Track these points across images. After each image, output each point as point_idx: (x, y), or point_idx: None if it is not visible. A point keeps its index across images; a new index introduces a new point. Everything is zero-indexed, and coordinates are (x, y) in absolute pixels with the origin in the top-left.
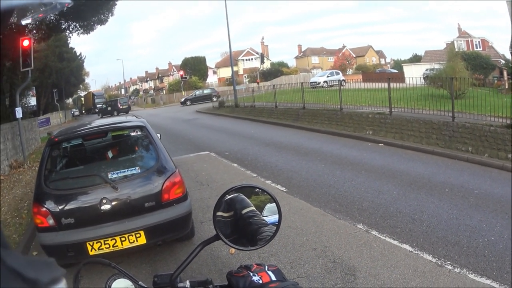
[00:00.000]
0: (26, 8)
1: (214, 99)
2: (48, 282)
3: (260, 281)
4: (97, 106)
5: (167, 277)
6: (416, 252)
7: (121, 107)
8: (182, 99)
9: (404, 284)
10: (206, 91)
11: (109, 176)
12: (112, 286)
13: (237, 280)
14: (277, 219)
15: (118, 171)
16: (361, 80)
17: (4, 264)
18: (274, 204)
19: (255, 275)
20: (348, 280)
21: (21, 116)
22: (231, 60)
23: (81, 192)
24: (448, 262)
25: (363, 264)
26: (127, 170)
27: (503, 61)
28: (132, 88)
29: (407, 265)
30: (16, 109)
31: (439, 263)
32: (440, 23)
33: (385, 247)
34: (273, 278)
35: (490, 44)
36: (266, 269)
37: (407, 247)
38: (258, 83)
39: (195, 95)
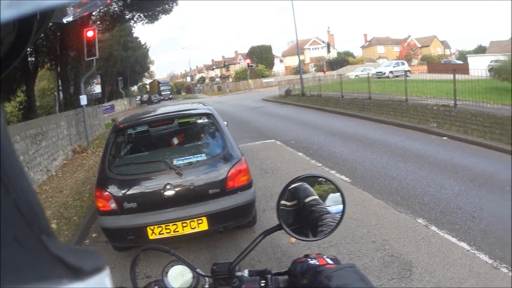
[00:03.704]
0: (67, 6)
1: None
2: (91, 270)
3: (317, 263)
4: (163, 93)
5: (226, 266)
6: (473, 251)
7: (155, 100)
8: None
9: (458, 284)
10: None
11: (174, 162)
12: (169, 272)
13: (295, 266)
14: (340, 209)
15: (184, 158)
16: (426, 71)
17: (49, 251)
18: (337, 194)
19: (312, 260)
20: (404, 276)
21: (85, 103)
22: (297, 48)
23: (145, 177)
24: (504, 265)
25: (420, 260)
26: (193, 157)
27: None
28: (198, 76)
29: (463, 265)
30: (80, 96)
31: (495, 265)
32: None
33: (443, 244)
34: (330, 262)
35: None
36: (325, 257)
37: (464, 245)
38: (324, 72)
39: None
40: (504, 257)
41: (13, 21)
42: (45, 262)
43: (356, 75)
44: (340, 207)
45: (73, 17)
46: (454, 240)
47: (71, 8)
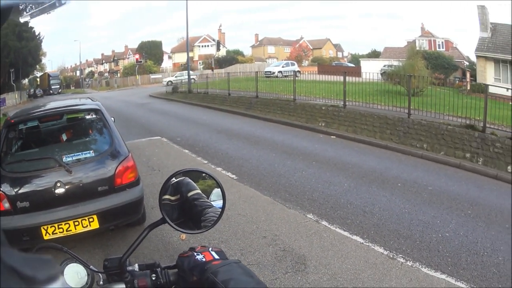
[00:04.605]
0: (25, 5)
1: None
2: (45, 279)
3: (204, 259)
4: (52, 87)
5: (116, 261)
6: (367, 244)
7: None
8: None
9: (355, 275)
10: None
11: (64, 159)
12: (65, 270)
13: (183, 261)
14: (221, 203)
15: (73, 154)
16: (317, 72)
17: (1, 261)
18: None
19: (198, 254)
20: (299, 269)
21: None
22: (187, 45)
23: (36, 175)
24: (400, 255)
25: (313, 253)
26: (81, 154)
27: (467, 63)
28: (87, 70)
29: (358, 256)
30: None
31: (391, 256)
32: (404, 21)
33: (336, 238)
34: (216, 257)
35: (454, 45)
36: (210, 250)
37: (358, 238)
38: (212, 70)
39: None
40: (399, 248)
41: None
42: None
43: (170, 81)
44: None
45: (30, 17)
46: (346, 233)
47: (30, 7)
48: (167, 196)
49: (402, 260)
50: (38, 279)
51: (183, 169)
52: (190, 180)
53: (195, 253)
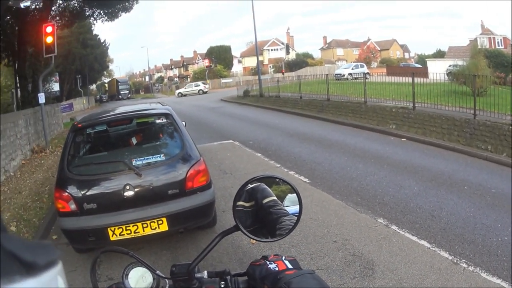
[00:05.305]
0: None
1: None
2: (44, 264)
3: (277, 268)
4: (121, 92)
5: (185, 267)
6: (433, 249)
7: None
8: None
9: (420, 280)
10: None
11: (133, 162)
12: (130, 274)
13: (254, 269)
14: (297, 209)
15: (143, 158)
16: (385, 73)
17: (1, 246)
18: (295, 194)
19: (271, 263)
20: (366, 274)
21: (43, 101)
22: (256, 49)
23: (104, 178)
24: (463, 260)
25: (381, 258)
26: (152, 157)
27: None
28: (156, 76)
29: (424, 261)
30: (39, 94)
31: (455, 261)
32: (464, 19)
33: (404, 243)
34: (289, 266)
35: (511, 43)
36: (283, 258)
37: (425, 243)
38: (283, 73)
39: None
40: (463, 252)
41: None
42: None
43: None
44: (298, 207)
45: (30, 2)
46: (414, 238)
47: None
48: (241, 203)
49: (464, 265)
50: (37, 264)
51: (258, 175)
52: (265, 186)
53: (268, 262)
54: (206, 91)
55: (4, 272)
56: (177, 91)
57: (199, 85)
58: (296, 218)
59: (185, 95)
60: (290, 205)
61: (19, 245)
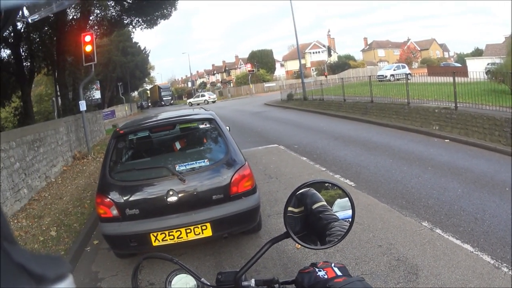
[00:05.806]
0: (33, 5)
1: None
2: (54, 278)
3: (326, 276)
4: (164, 99)
5: (232, 275)
6: (476, 252)
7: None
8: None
9: (462, 285)
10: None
11: (177, 168)
12: (173, 281)
13: (303, 277)
14: (348, 214)
15: (186, 163)
16: (426, 73)
17: (10, 258)
18: (344, 199)
19: (320, 270)
20: (410, 279)
21: (84, 108)
22: (298, 52)
23: (147, 183)
24: (505, 265)
25: (425, 263)
26: (196, 163)
27: None
28: (199, 81)
29: (467, 266)
30: (79, 102)
31: (496, 265)
32: (496, 17)
33: (448, 247)
34: (339, 273)
35: None
36: (332, 266)
37: (468, 247)
38: (325, 76)
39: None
40: (504, 256)
41: None
42: (7, 270)
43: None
44: (348, 212)
45: (39, 16)
46: (458, 242)
47: (43, 8)
48: (290, 208)
49: (505, 269)
50: (47, 277)
51: (309, 181)
52: (315, 191)
53: (317, 269)
54: (214, 101)
55: (13, 284)
56: (188, 101)
57: (205, 95)
58: (346, 223)
59: (192, 104)
60: (340, 210)
61: (29, 258)
